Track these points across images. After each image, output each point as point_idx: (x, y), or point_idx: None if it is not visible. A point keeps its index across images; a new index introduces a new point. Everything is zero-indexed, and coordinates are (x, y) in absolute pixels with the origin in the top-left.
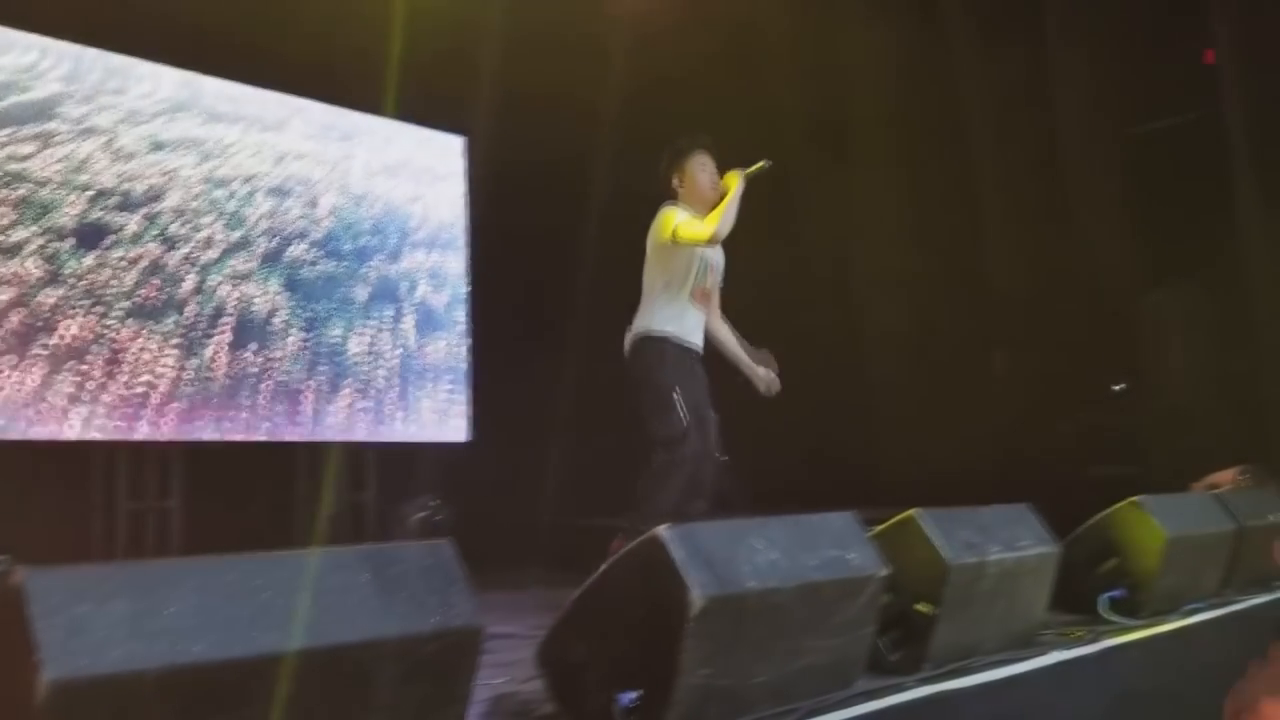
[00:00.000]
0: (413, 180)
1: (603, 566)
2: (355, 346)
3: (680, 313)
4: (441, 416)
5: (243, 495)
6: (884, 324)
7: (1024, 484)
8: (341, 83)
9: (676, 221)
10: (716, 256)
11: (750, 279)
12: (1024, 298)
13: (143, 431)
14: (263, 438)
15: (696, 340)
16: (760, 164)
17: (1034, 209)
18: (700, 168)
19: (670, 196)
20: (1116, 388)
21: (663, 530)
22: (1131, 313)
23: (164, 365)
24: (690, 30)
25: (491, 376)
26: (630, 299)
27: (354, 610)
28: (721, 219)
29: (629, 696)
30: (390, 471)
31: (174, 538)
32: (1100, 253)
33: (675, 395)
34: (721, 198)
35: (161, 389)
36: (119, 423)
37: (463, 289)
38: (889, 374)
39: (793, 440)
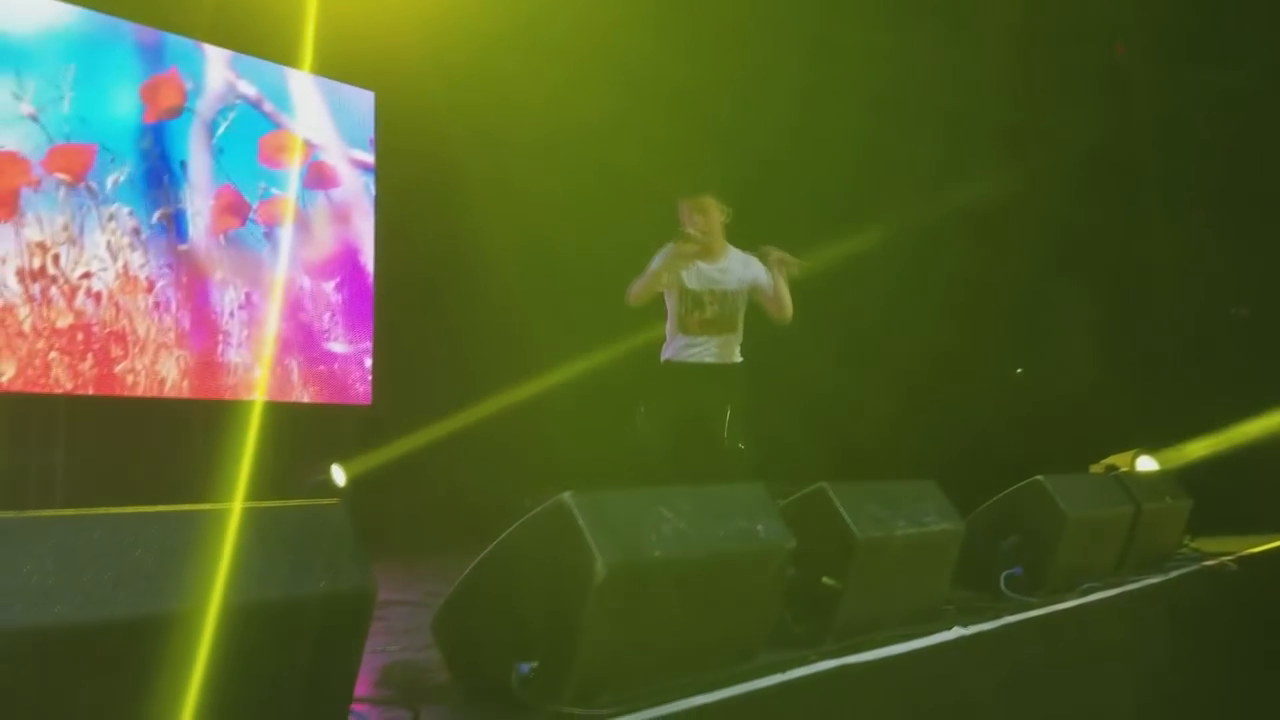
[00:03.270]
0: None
1: (505, 532)
2: (265, 303)
3: (683, 345)
4: (344, 378)
5: (129, 453)
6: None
7: (927, 462)
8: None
9: (633, 286)
10: (713, 284)
11: None
12: (936, 283)
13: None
14: (154, 394)
15: (697, 359)
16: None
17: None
18: (682, 215)
19: None
20: (1018, 371)
21: (568, 496)
22: (1035, 300)
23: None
24: None
25: (395, 339)
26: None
27: (235, 571)
28: (640, 288)
29: (527, 667)
30: (290, 432)
31: (57, 495)
32: (1009, 243)
33: (641, 409)
34: (715, 239)
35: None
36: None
37: (370, 248)
38: (803, 354)
39: None
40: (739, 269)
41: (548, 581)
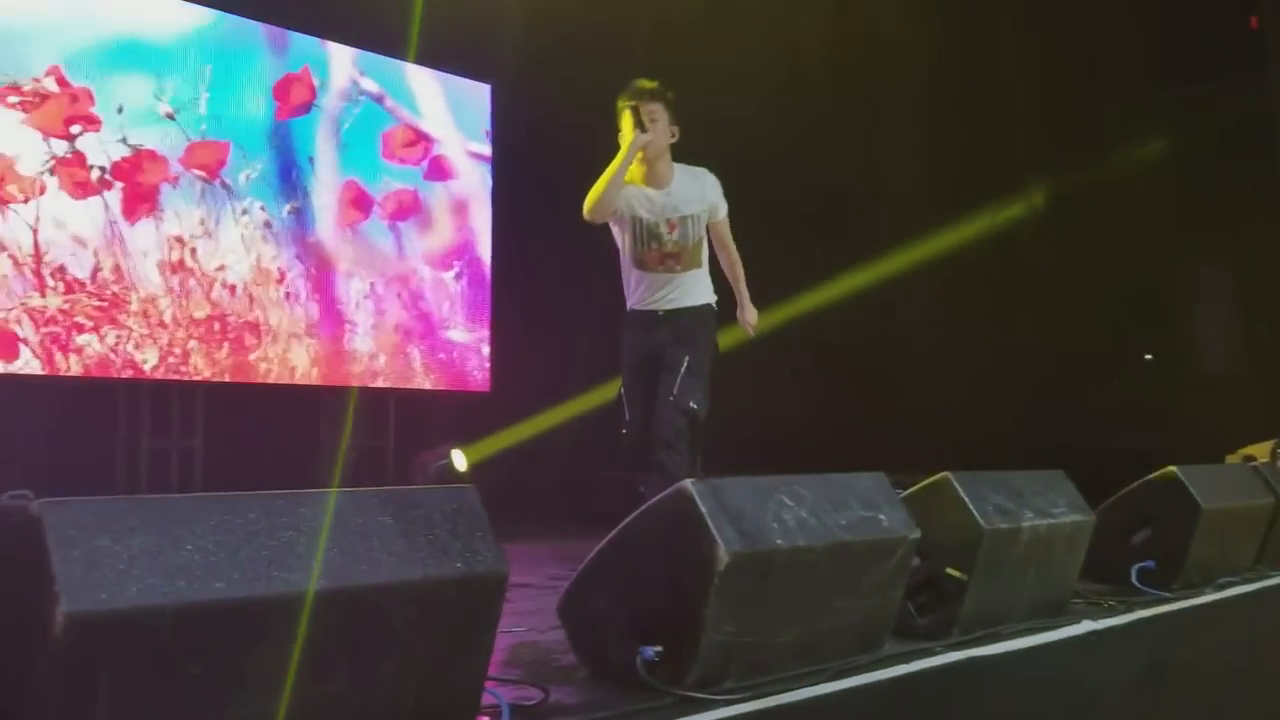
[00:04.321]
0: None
1: (627, 519)
2: (388, 293)
3: (638, 282)
4: (462, 365)
5: (263, 437)
6: (912, 291)
7: (1051, 452)
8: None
9: (587, 198)
10: (668, 211)
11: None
12: (1054, 265)
13: (167, 370)
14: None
15: (659, 304)
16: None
17: (1070, 175)
18: (624, 121)
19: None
20: (1147, 357)
21: (690, 484)
22: (1165, 282)
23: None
24: None
25: (512, 327)
26: None
27: (376, 552)
28: (594, 193)
29: (651, 651)
30: (410, 418)
31: (196, 477)
32: (1135, 221)
33: (621, 392)
34: (663, 157)
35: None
36: (136, 354)
37: (487, 239)
38: (915, 341)
39: (817, 405)
40: (695, 189)
41: (670, 568)
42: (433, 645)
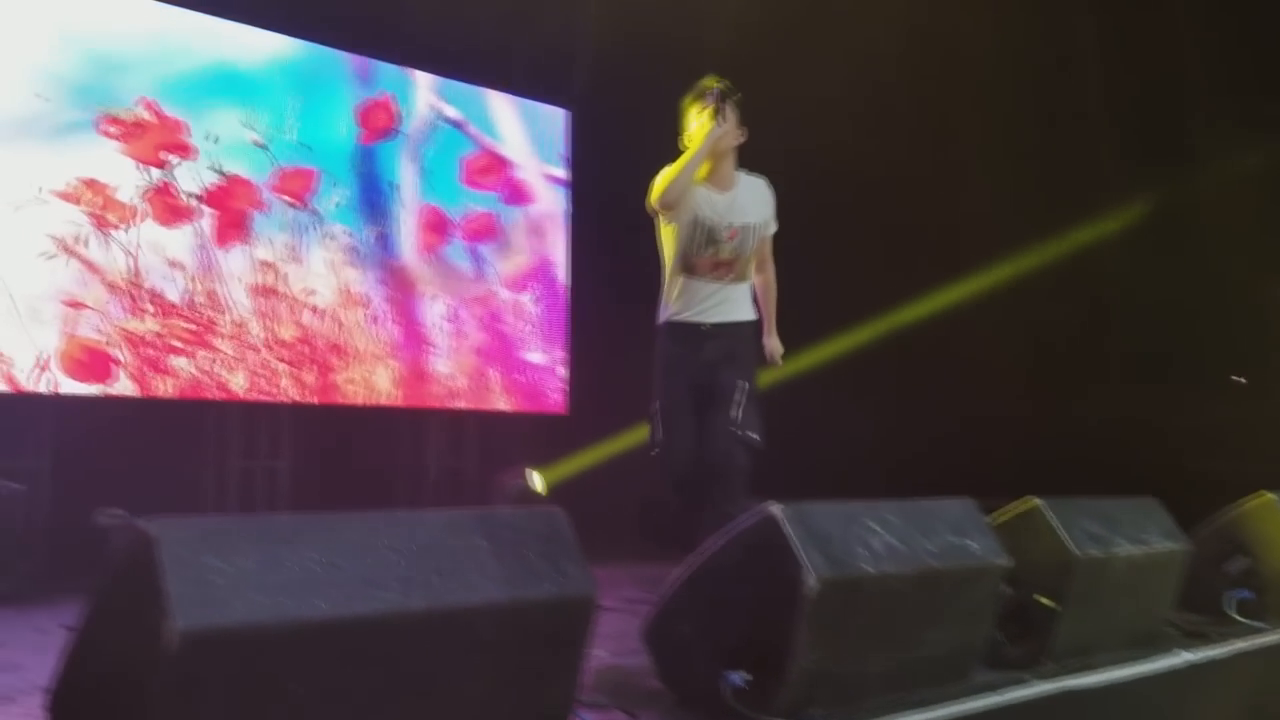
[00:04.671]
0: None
1: (712, 543)
2: (468, 316)
3: (682, 290)
4: (540, 387)
5: (347, 457)
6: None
7: (1136, 478)
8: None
9: (658, 183)
10: (730, 216)
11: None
12: (1141, 284)
13: (256, 391)
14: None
15: (705, 316)
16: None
17: (1159, 190)
18: (694, 119)
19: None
20: (1236, 379)
21: (776, 509)
22: (1256, 302)
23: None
24: None
25: (588, 350)
26: None
27: (470, 573)
28: (669, 177)
29: (738, 677)
30: (488, 439)
31: (282, 497)
32: (1225, 239)
33: (656, 407)
34: (729, 160)
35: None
36: (226, 376)
37: (564, 262)
38: (995, 361)
39: (895, 426)
40: (758, 198)
41: (757, 594)
42: (524, 667)
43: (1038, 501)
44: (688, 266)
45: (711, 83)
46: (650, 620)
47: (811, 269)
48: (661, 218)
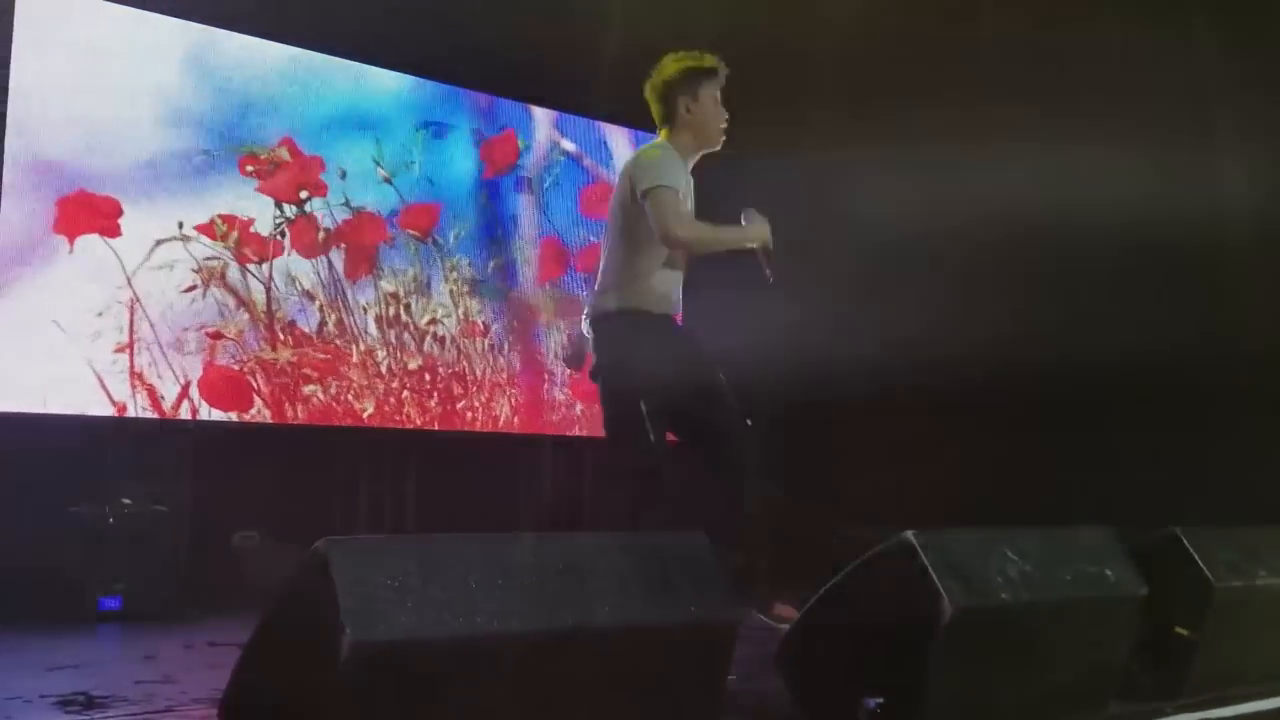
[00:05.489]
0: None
1: (846, 568)
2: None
3: (661, 282)
4: None
5: (469, 482)
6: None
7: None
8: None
9: (663, 183)
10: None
11: None
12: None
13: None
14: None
15: (676, 308)
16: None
17: None
18: (715, 99)
19: (663, 122)
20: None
21: (912, 536)
22: None
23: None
24: None
25: None
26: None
27: (616, 593)
28: (700, 232)
29: (873, 702)
30: (604, 465)
31: (408, 520)
32: None
33: (643, 412)
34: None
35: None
36: (357, 405)
37: None
38: (1107, 384)
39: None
40: None
41: (893, 619)
42: (666, 688)
43: (1176, 530)
44: (670, 259)
45: (714, 64)
46: (783, 644)
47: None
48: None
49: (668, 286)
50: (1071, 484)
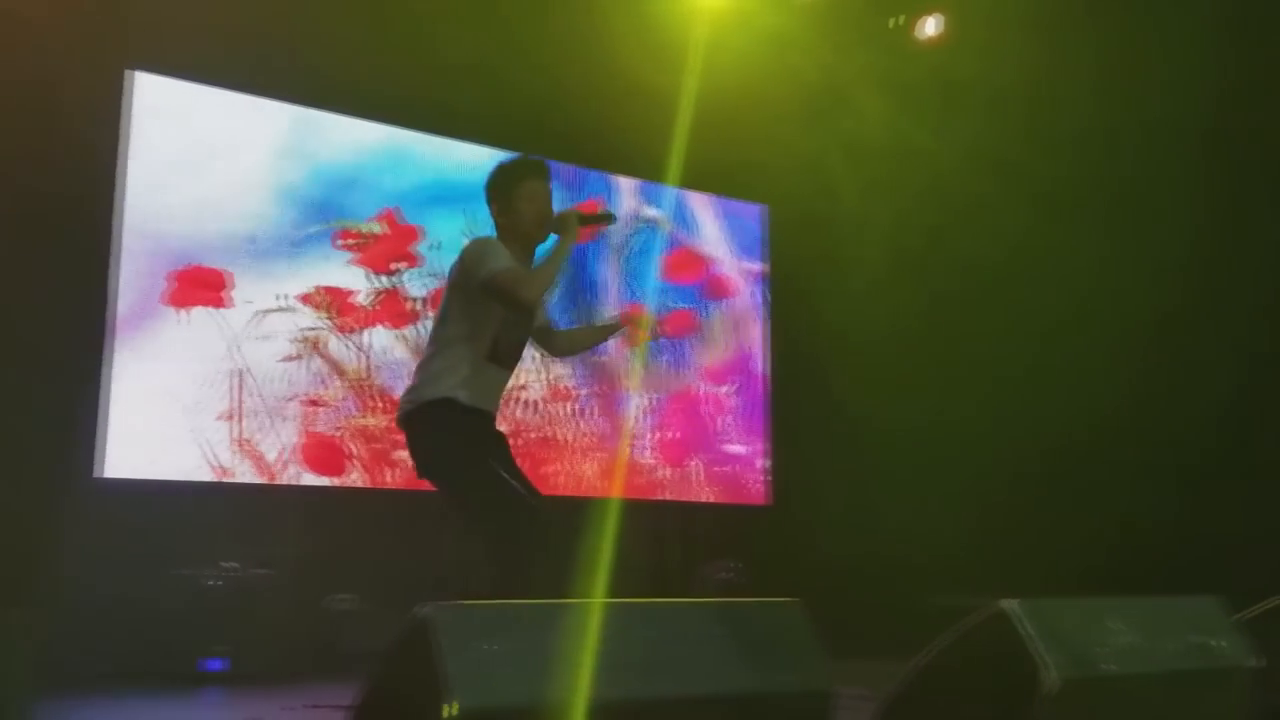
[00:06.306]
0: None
1: (942, 637)
2: (669, 409)
3: (475, 374)
4: (740, 478)
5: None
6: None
7: None
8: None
9: (495, 267)
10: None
11: None
12: None
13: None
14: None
15: (492, 404)
16: (605, 213)
17: None
18: (528, 198)
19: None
20: None
21: (1012, 604)
22: None
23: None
24: None
25: (790, 441)
26: (930, 356)
27: (713, 662)
28: (539, 279)
29: None
30: (691, 530)
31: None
32: None
33: (499, 472)
34: (543, 237)
35: None
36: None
37: (762, 354)
38: (1216, 444)
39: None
40: None
41: (991, 689)
42: None
43: None
44: (494, 354)
45: (538, 169)
46: (883, 713)
47: None
48: (479, 291)
49: (483, 381)
50: (1178, 551)
